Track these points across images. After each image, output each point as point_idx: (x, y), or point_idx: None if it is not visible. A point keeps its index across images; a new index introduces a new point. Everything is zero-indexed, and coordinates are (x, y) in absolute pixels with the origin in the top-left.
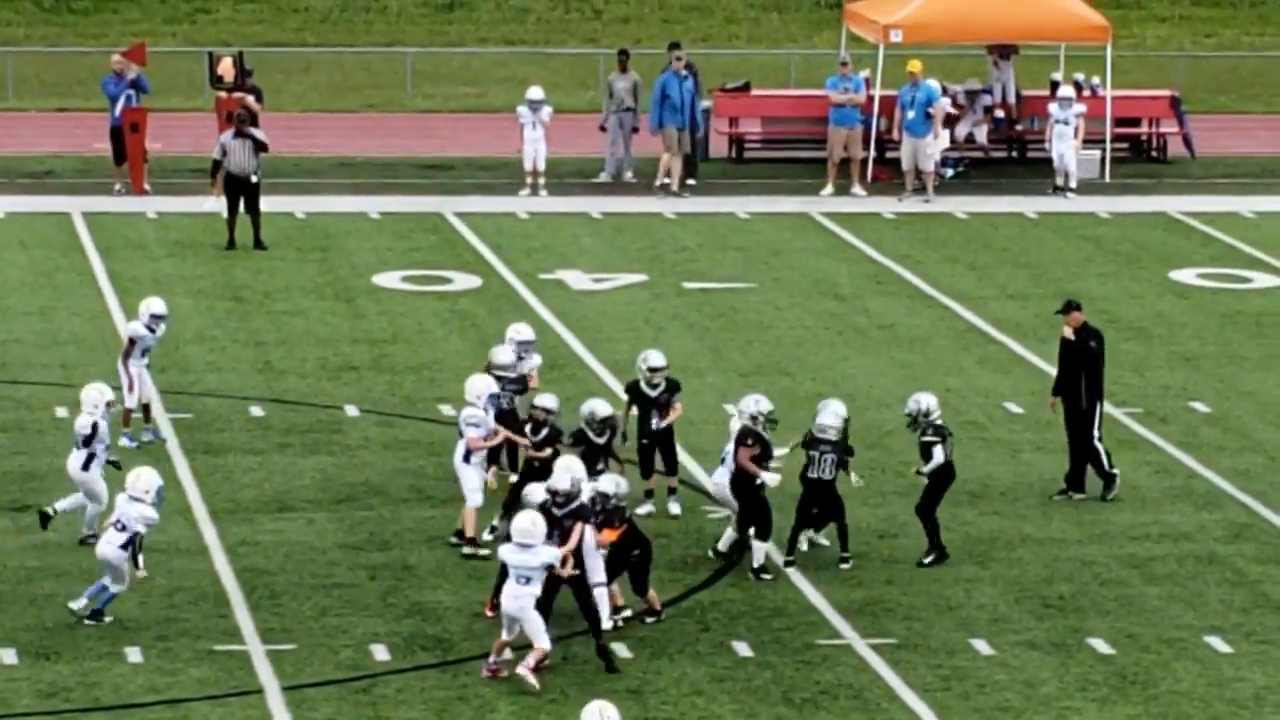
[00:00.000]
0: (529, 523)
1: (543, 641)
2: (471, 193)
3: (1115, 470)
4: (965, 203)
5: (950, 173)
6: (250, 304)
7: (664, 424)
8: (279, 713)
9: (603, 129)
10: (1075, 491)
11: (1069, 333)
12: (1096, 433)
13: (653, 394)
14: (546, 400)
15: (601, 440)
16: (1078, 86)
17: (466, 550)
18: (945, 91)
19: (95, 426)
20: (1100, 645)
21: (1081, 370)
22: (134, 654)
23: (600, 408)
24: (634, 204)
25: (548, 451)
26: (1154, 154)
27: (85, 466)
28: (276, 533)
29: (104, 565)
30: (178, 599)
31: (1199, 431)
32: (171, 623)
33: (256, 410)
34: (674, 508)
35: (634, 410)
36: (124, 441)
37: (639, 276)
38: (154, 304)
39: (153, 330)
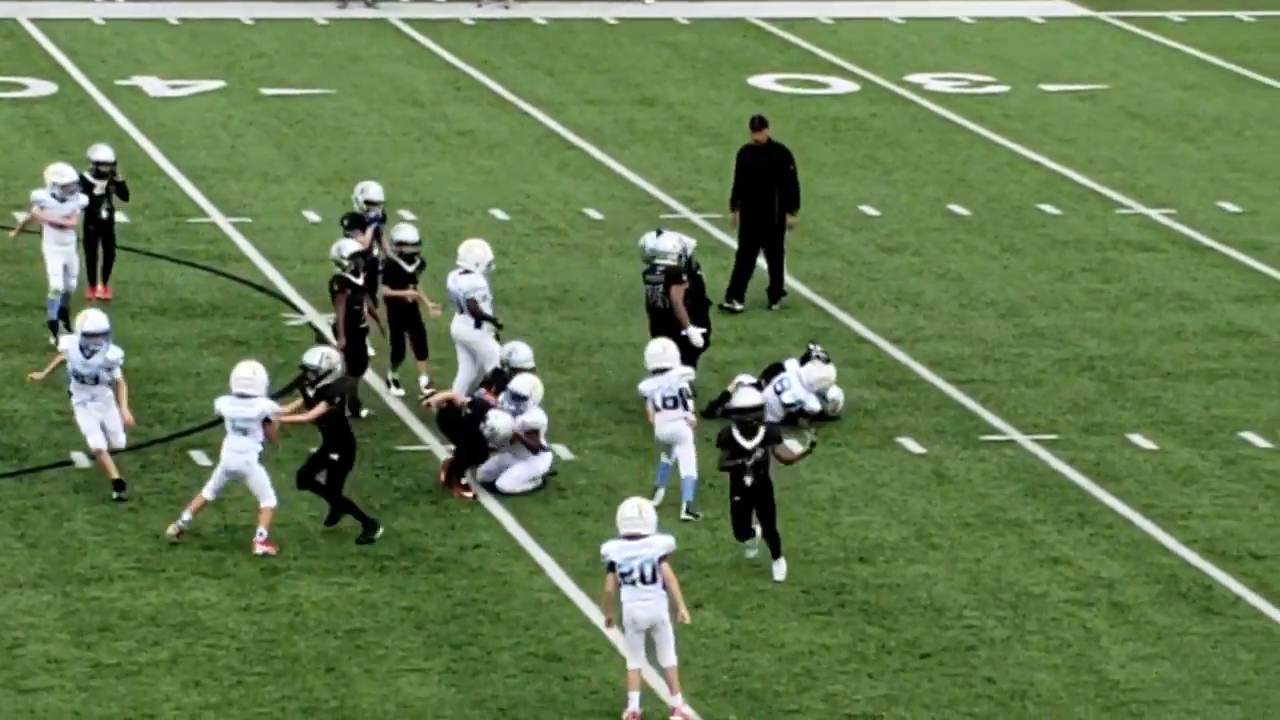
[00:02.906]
0: (249, 371)
1: (269, 499)
2: None
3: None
4: (544, 8)
5: None
6: None
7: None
8: None
9: None
10: (773, 302)
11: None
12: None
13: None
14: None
15: (360, 280)
16: None
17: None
18: None
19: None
20: None
21: (769, 184)
22: None
23: (347, 245)
24: (211, 10)
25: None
26: None
27: (477, 325)
28: None
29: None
30: None
31: None
32: None
33: None
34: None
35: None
36: None
37: (217, 83)
38: None
39: None
